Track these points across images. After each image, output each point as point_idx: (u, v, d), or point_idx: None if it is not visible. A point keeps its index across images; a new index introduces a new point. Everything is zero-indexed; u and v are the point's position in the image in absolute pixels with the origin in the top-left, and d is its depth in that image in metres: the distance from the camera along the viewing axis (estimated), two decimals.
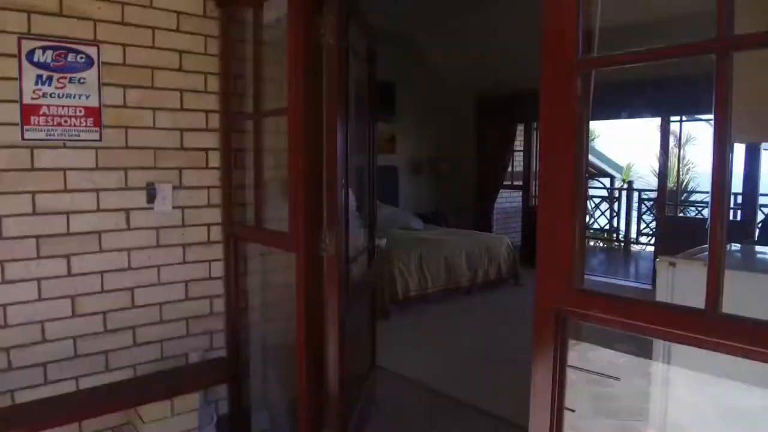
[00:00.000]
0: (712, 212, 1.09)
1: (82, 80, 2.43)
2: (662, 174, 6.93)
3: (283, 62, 2.37)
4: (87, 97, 2.45)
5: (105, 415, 2.52)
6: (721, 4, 1.00)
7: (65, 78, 2.38)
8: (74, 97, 2.41)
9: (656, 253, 7.04)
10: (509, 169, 8.46)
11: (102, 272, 2.55)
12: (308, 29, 2.25)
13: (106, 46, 2.49)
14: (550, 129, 1.33)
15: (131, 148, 2.59)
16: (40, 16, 2.31)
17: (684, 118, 7.09)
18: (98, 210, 2.52)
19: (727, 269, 1.10)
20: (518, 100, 7.89)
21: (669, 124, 6.74)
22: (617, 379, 3.51)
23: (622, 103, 7.02)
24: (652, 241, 9.84)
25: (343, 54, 2.37)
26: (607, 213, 10.54)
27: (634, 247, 10.00)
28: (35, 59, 2.31)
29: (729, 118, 1.04)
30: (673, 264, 1.70)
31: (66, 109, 2.40)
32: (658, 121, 7.95)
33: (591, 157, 9.60)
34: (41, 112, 2.34)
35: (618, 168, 13.00)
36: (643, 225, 9.86)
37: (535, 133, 8.60)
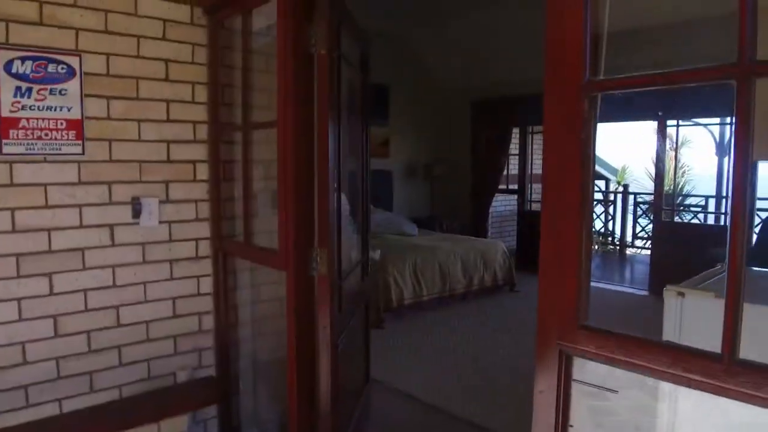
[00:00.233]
0: (730, 247, 1.01)
1: (63, 92, 2.33)
2: (659, 178, 6.86)
3: (274, 70, 2.29)
4: (69, 109, 2.35)
5: None
6: (744, 28, 0.92)
7: (45, 89, 2.29)
8: (55, 110, 2.32)
9: (653, 258, 6.98)
10: (504, 172, 8.38)
11: (85, 290, 2.46)
12: (298, 39, 2.17)
13: (89, 56, 2.39)
14: (553, 158, 1.26)
15: (115, 162, 2.49)
16: (19, 25, 2.21)
17: (680, 122, 7.03)
18: (81, 226, 2.43)
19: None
20: (513, 103, 7.84)
21: (666, 128, 6.68)
22: (615, 392, 3.45)
23: (620, 106, 6.97)
24: (648, 245, 9.80)
25: (334, 64, 2.29)
26: (603, 216, 10.50)
27: (630, 251, 9.96)
28: (14, 70, 2.22)
29: (751, 144, 0.97)
30: (681, 294, 1.63)
31: (47, 121, 2.30)
32: (652, 123, 7.92)
33: None
34: (20, 126, 2.24)
35: (613, 170, 12.96)
36: (638, 228, 9.82)
37: (530, 137, 8.55)
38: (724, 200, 8.34)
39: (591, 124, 1.21)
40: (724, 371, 1.00)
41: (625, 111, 7.13)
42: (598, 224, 10.68)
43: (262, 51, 2.76)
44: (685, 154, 9.84)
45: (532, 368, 4.15)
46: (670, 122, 6.72)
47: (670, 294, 1.67)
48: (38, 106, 2.28)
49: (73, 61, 2.35)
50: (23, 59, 2.23)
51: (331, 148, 2.21)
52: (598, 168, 12.26)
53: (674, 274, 6.34)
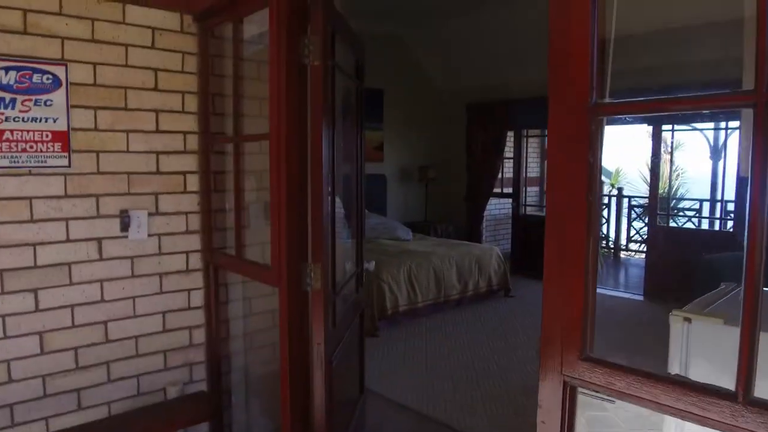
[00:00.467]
0: (746, 275, 0.96)
1: (48, 102, 2.27)
2: (654, 182, 6.84)
3: (266, 78, 2.23)
4: (54, 120, 2.29)
5: None
6: (762, 56, 0.87)
7: (30, 100, 2.22)
8: (40, 121, 2.25)
9: (648, 263, 6.95)
10: (499, 176, 8.35)
11: (72, 306, 2.39)
12: (291, 50, 2.11)
13: (75, 66, 2.33)
14: (557, 186, 1.20)
15: (103, 174, 2.43)
16: (2, 33, 2.15)
17: (675, 126, 7.01)
18: (68, 240, 2.36)
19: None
20: (509, 106, 7.81)
21: (661, 132, 6.66)
22: (612, 401, 3.41)
23: None
24: (642, 248, 9.79)
25: (329, 75, 2.23)
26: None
27: (624, 254, 9.94)
28: None
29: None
30: (688, 320, 1.58)
31: (31, 133, 2.23)
32: (645, 126, 7.90)
33: None
34: (4, 138, 2.18)
35: (607, 173, 12.94)
36: (632, 232, 9.80)
37: (525, 140, 8.52)
38: (718, 204, 8.34)
39: (599, 148, 1.16)
40: (739, 411, 0.95)
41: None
42: None
43: (253, 59, 2.70)
44: (678, 158, 9.83)
45: (529, 377, 4.10)
46: (664, 126, 6.70)
47: (676, 319, 1.62)
48: (23, 118, 2.21)
49: (59, 71, 2.28)
50: (6, 69, 2.16)
51: (325, 161, 2.15)
52: None
53: (670, 279, 6.33)
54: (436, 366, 4.51)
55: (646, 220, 9.66)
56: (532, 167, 9.10)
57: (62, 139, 2.31)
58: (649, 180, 10.99)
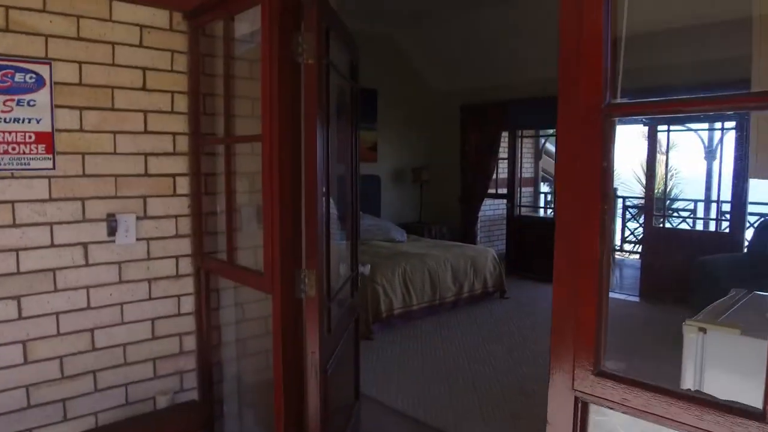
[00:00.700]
0: None
1: (32, 102, 2.18)
2: (650, 183, 6.81)
3: (257, 77, 2.16)
4: (38, 121, 2.20)
5: None
6: None
7: (12, 100, 2.13)
8: (23, 122, 2.16)
9: (643, 264, 6.91)
10: (494, 176, 8.29)
11: (57, 313, 2.31)
12: (284, 48, 2.03)
13: (60, 64, 2.24)
14: (568, 192, 1.13)
15: (89, 176, 2.34)
16: None
17: (670, 126, 6.97)
18: (52, 245, 2.27)
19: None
20: (503, 107, 7.76)
21: (657, 132, 6.62)
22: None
23: None
24: (637, 249, 9.76)
25: (323, 73, 2.15)
26: None
27: (618, 255, 9.91)
28: None
29: None
30: (703, 330, 1.51)
31: (13, 135, 2.14)
32: (639, 127, 7.87)
33: None
34: None
35: None
36: (627, 232, 9.77)
37: (519, 141, 8.47)
38: (713, 205, 8.31)
39: (612, 152, 1.09)
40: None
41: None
42: None
43: (245, 58, 2.63)
44: (672, 158, 9.80)
45: (525, 380, 4.03)
46: (660, 127, 6.66)
47: (690, 329, 1.55)
48: (4, 119, 2.12)
49: (43, 70, 2.20)
50: None
51: (319, 163, 2.08)
52: None
53: (666, 280, 6.29)
54: (431, 369, 4.45)
55: (641, 221, 9.65)
56: (526, 168, 9.06)
57: (46, 140, 2.22)
58: (643, 181, 11.00)
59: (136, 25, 2.43)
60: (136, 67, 2.44)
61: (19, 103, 2.15)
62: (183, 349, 2.66)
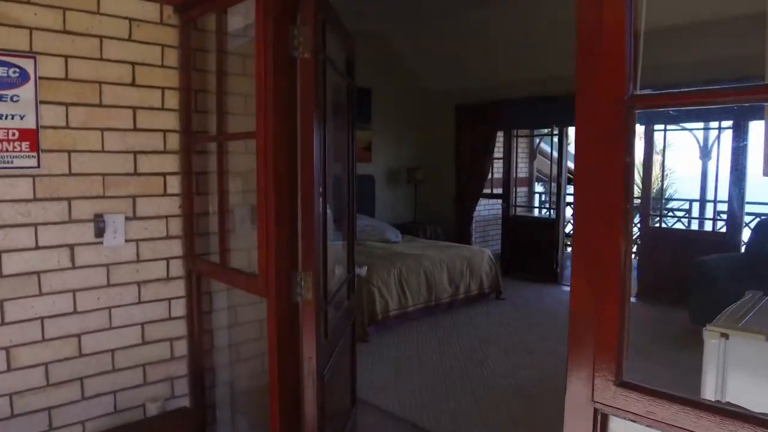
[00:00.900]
0: None
1: (15, 98, 2.08)
2: (647, 184, 6.76)
3: (251, 74, 2.07)
4: (21, 117, 2.10)
5: None
6: None
7: None
8: (6, 118, 2.07)
9: (640, 264, 6.86)
10: (489, 176, 8.23)
11: (42, 318, 2.21)
12: (279, 41, 1.95)
13: (45, 58, 2.15)
14: (588, 192, 1.05)
15: (76, 175, 2.25)
16: None
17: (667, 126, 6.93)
18: (37, 247, 2.18)
19: None
20: (498, 107, 7.69)
21: (653, 132, 6.57)
22: None
23: None
24: (634, 250, 9.71)
25: (320, 69, 2.07)
26: None
27: None
28: None
29: None
30: (725, 336, 1.44)
31: None
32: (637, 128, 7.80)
33: (570, 163, 9.43)
34: None
35: None
36: None
37: (515, 140, 8.41)
38: (709, 205, 8.27)
39: (633, 146, 1.02)
40: None
41: None
42: None
43: (238, 53, 2.54)
44: (668, 158, 9.75)
45: (524, 382, 3.95)
46: (656, 126, 6.62)
47: (711, 335, 1.48)
48: None
49: (27, 64, 2.10)
50: None
51: (316, 162, 2.00)
52: None
53: (663, 280, 6.24)
54: (428, 372, 4.37)
55: (637, 221, 9.60)
56: (521, 167, 9.00)
57: (30, 137, 2.13)
58: (638, 181, 10.96)
59: (125, 18, 2.34)
60: (125, 62, 2.35)
61: (1, 98, 2.05)
62: (174, 355, 2.57)
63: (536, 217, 9.09)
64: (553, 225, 7.72)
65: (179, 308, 2.57)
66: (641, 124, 6.42)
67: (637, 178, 11.00)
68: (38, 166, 2.15)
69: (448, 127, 8.31)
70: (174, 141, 2.50)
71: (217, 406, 2.73)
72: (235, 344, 2.78)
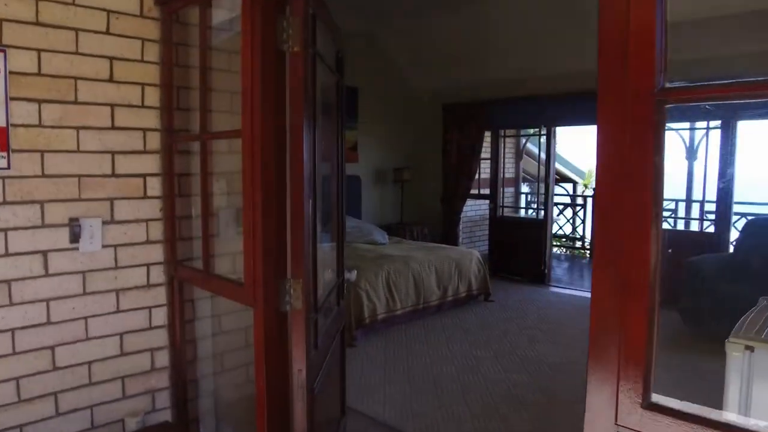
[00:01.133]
0: None
1: None
2: None
3: (237, 70, 1.95)
4: None
5: None
6: None
7: None
8: None
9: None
10: (476, 177, 8.15)
11: (13, 330, 2.07)
12: (267, 32, 1.83)
13: (16, 52, 2.01)
14: (613, 195, 0.95)
15: (49, 177, 2.11)
16: None
17: None
18: (7, 254, 2.04)
19: None
20: (486, 106, 7.63)
21: None
22: None
23: (590, 110, 6.81)
24: None
25: (309, 64, 1.95)
26: (573, 219, 10.40)
27: None
28: None
29: None
30: (750, 348, 1.35)
31: None
32: None
33: (558, 164, 9.40)
34: None
35: (580, 173, 12.90)
36: None
37: (502, 140, 8.36)
38: (695, 205, 8.27)
39: (663, 145, 0.92)
40: None
41: (594, 115, 6.98)
42: (567, 228, 10.58)
43: (223, 48, 2.42)
44: None
45: (516, 387, 3.85)
46: None
47: (734, 347, 1.39)
48: None
49: None
50: None
51: (306, 162, 1.88)
52: (566, 171, 12.18)
53: None
54: (418, 378, 4.26)
55: None
56: (509, 168, 8.95)
57: (1, 136, 1.99)
58: None
59: (103, 10, 2.21)
60: (103, 57, 2.22)
61: None
62: (155, 366, 2.44)
63: (523, 218, 9.05)
64: (540, 225, 7.67)
65: (160, 317, 2.44)
66: None
67: None
68: (8, 167, 2.01)
69: (436, 127, 8.23)
70: (155, 140, 2.37)
71: (201, 420, 2.60)
72: (219, 354, 2.65)
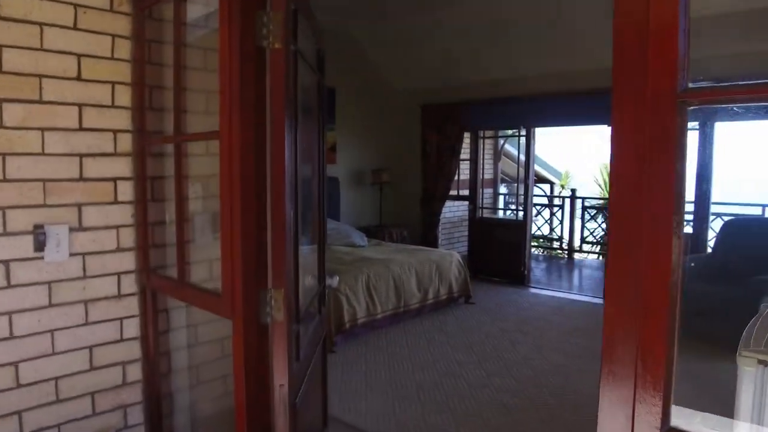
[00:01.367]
0: None
1: None
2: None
3: (214, 68, 1.84)
4: None
5: None
6: None
7: None
8: None
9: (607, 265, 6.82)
10: (456, 178, 8.10)
11: None
12: (246, 28, 1.73)
13: None
14: (630, 203, 0.88)
15: (11, 181, 1.97)
16: None
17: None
18: None
19: None
20: (465, 108, 7.58)
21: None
22: None
23: (570, 111, 6.80)
24: (596, 249, 9.76)
25: (291, 61, 1.85)
26: (550, 220, 10.44)
27: (578, 255, 9.89)
28: None
29: None
30: (764, 363, 1.29)
31: None
32: (595, 128, 7.81)
33: (537, 166, 9.41)
34: None
35: (557, 174, 12.97)
36: (586, 233, 9.76)
37: (482, 141, 8.32)
38: None
39: (685, 150, 0.84)
40: None
41: (574, 116, 6.99)
42: (545, 229, 10.61)
43: (200, 45, 2.30)
44: None
45: (500, 393, 3.78)
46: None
47: (747, 361, 1.32)
48: None
49: None
50: None
51: (287, 165, 1.78)
52: (543, 171, 12.24)
53: None
54: (401, 385, 4.17)
55: (600, 222, 9.65)
56: (488, 169, 8.93)
57: None
58: (600, 182, 11.04)
59: (70, 3, 2.08)
60: (70, 53, 2.09)
61: None
62: (127, 380, 2.31)
63: (502, 219, 9.02)
64: (519, 227, 7.65)
65: (132, 328, 2.31)
66: (609, 126, 6.36)
67: (599, 180, 11.12)
68: None
69: (414, 127, 8.16)
70: (126, 142, 2.25)
71: None
72: (196, 366, 2.53)
